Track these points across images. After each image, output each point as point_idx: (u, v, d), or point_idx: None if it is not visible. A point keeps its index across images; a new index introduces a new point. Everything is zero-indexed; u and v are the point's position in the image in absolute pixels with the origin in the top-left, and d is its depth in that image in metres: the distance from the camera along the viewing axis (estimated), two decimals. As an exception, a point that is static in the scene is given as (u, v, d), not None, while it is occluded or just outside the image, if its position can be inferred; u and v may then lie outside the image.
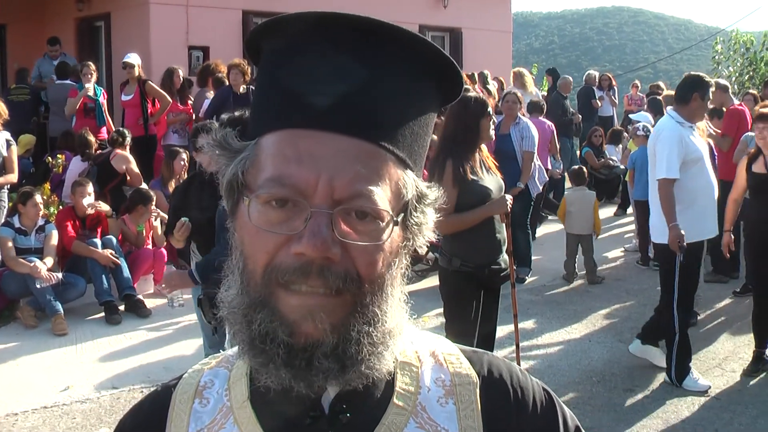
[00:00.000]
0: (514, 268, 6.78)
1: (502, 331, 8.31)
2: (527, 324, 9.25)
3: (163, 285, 6.37)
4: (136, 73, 12.42)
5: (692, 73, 7.71)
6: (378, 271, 1.15)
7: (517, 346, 6.79)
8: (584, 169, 12.12)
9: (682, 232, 6.92)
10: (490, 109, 6.12)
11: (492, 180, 6.10)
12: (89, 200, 9.80)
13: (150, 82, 12.29)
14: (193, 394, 1.32)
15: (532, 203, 11.32)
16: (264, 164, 1.16)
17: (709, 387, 7.30)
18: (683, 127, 7.19)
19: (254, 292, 1.14)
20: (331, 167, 1.11)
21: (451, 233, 5.94)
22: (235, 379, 1.30)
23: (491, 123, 6.17)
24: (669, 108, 7.74)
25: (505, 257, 6.18)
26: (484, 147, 6.29)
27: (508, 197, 6.04)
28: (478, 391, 1.28)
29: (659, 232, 7.24)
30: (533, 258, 11.47)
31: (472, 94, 6.25)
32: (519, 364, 6.50)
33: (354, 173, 1.12)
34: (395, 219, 1.17)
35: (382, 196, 1.14)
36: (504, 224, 6.13)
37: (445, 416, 1.26)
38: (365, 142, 1.14)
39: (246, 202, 1.15)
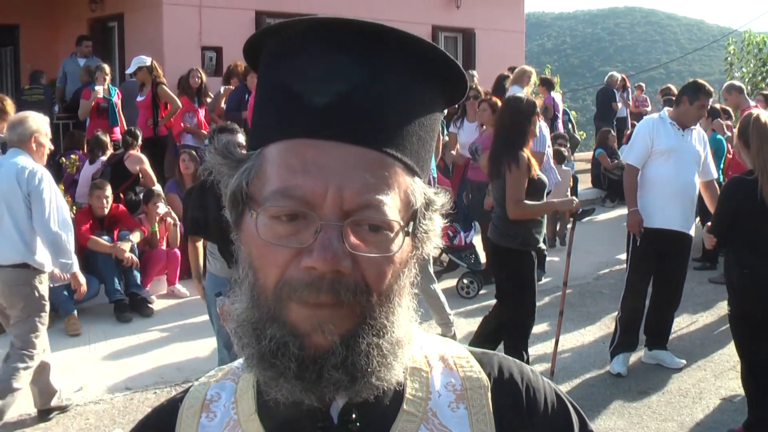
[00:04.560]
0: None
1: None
2: (541, 326, 9.21)
3: (220, 315, 6.21)
4: (146, 73, 12.38)
5: (696, 79, 7.97)
6: (387, 282, 1.14)
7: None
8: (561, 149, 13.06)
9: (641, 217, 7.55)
10: (538, 108, 7.02)
11: (543, 175, 6.96)
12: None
13: (163, 85, 12.28)
14: (200, 408, 1.30)
15: None
16: (269, 175, 1.13)
17: (622, 374, 7.67)
18: (663, 123, 7.63)
19: (264, 306, 1.13)
20: (339, 177, 1.09)
21: (518, 219, 6.76)
22: (241, 391, 1.29)
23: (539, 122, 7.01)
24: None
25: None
26: None
27: (576, 199, 6.98)
28: (489, 394, 1.27)
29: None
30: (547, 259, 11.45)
31: (522, 95, 7.28)
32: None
33: (363, 183, 1.10)
34: (405, 229, 1.15)
35: (391, 205, 1.12)
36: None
37: (457, 421, 1.24)
38: (372, 150, 1.12)
39: (253, 216, 1.13)
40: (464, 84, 1.24)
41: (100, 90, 12.37)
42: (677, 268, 7.74)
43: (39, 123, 6.41)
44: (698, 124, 7.89)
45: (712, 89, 7.76)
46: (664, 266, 7.69)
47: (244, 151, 1.21)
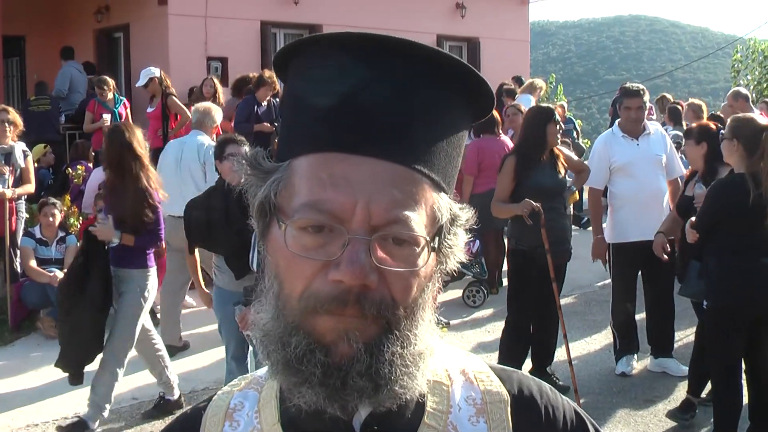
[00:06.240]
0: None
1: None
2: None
3: (240, 325, 6.14)
4: (157, 85, 12.42)
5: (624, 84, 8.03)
6: (412, 296, 1.15)
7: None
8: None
9: (607, 242, 7.74)
10: (557, 117, 7.22)
11: (552, 179, 7.09)
12: None
13: (173, 96, 12.31)
14: (223, 416, 1.31)
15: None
16: (298, 188, 1.15)
17: (626, 373, 7.78)
18: (615, 137, 7.70)
19: (290, 317, 1.14)
20: (368, 192, 1.11)
21: (496, 216, 7.42)
22: (264, 401, 1.30)
23: (557, 128, 7.16)
24: None
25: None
26: (562, 150, 7.41)
27: (529, 202, 6.75)
28: (509, 409, 1.28)
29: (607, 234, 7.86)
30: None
31: (543, 104, 7.99)
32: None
33: (390, 198, 1.11)
34: (431, 244, 1.16)
35: (418, 221, 1.13)
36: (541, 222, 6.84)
37: None
38: (400, 166, 1.13)
39: (282, 228, 1.14)
40: (491, 101, 1.26)
41: (108, 119, 12.38)
42: (662, 276, 7.70)
43: (220, 117, 8.86)
44: (655, 125, 7.91)
45: (639, 88, 7.70)
46: (649, 276, 7.77)
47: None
